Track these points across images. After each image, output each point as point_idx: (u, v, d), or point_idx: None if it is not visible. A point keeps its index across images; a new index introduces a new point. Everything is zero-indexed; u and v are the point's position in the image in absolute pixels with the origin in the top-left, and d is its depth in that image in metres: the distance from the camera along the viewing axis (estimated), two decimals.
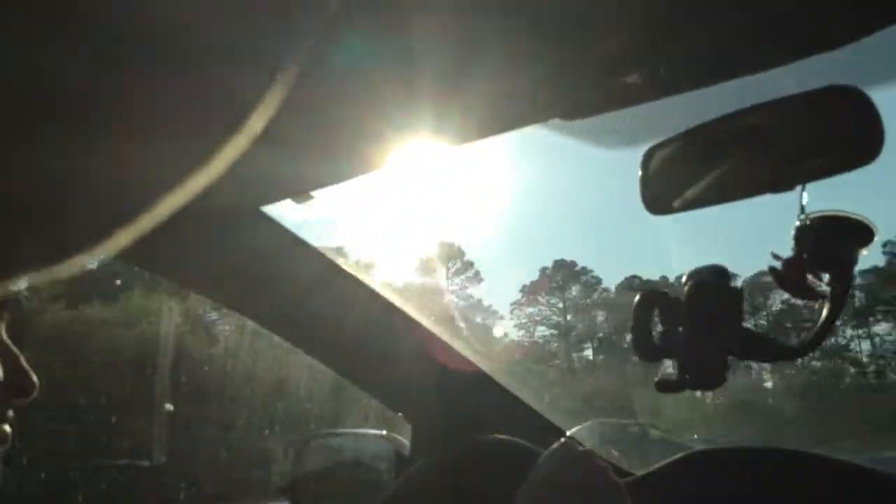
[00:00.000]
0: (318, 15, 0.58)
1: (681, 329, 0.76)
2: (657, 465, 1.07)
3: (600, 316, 33.86)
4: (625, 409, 19.20)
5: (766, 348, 0.78)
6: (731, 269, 0.77)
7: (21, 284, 0.52)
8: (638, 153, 0.83)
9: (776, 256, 0.71)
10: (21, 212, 0.64)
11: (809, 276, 0.70)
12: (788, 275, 0.70)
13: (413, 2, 0.62)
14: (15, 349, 0.54)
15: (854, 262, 0.70)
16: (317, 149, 0.91)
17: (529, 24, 0.66)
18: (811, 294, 0.70)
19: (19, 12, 0.48)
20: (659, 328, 0.79)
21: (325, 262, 1.26)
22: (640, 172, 0.82)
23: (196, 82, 0.66)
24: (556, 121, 0.83)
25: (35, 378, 0.54)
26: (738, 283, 0.79)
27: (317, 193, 1.06)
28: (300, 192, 1.07)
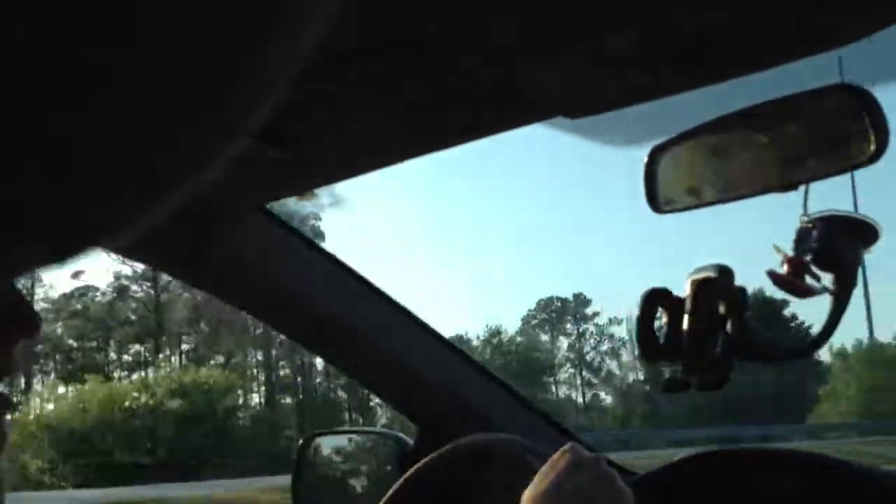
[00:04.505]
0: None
1: (684, 328, 0.76)
2: (661, 465, 1.07)
3: None
4: None
5: (771, 348, 0.77)
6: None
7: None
8: (642, 152, 0.83)
9: (778, 249, 0.70)
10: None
11: (808, 277, 0.69)
12: (787, 275, 0.70)
13: (414, 3, 0.62)
14: (15, 284, 0.48)
15: (858, 262, 0.69)
16: (318, 147, 0.91)
17: (533, 22, 0.65)
18: (808, 294, 0.70)
19: None
20: (663, 327, 0.78)
21: (330, 260, 1.26)
22: (643, 170, 0.82)
23: None
24: (561, 118, 0.83)
25: (39, 315, 0.49)
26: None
27: (319, 191, 1.07)
28: (302, 190, 1.07)
